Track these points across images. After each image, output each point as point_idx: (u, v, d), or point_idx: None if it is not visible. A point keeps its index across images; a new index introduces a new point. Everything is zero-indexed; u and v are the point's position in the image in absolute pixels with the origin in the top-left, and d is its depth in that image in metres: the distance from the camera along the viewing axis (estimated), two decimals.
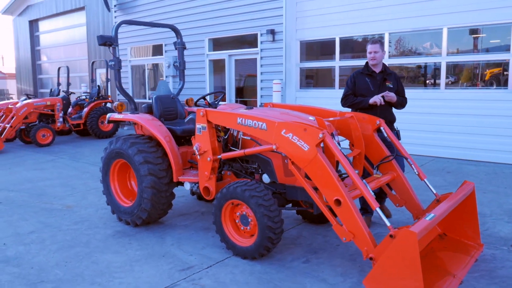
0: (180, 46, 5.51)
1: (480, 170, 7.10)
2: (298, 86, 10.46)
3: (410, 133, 7.92)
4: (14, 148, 10.67)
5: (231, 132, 4.11)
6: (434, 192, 3.79)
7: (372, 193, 3.11)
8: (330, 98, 9.64)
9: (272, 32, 10.28)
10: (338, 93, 9.53)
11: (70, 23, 17.35)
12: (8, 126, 10.42)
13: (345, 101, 4.57)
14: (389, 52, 8.78)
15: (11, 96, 24.07)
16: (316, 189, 3.34)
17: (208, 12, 11.65)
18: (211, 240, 4.18)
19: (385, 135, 3.96)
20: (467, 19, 7.76)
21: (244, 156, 4.00)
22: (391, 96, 4.32)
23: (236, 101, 11.91)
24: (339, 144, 3.79)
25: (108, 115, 4.95)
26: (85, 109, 11.81)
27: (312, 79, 10.77)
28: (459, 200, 3.43)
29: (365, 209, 4.49)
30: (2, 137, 10.21)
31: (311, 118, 3.71)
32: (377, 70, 4.46)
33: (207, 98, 5.35)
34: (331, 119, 3.97)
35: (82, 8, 16.16)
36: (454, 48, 8.14)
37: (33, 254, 3.95)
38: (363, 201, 4.51)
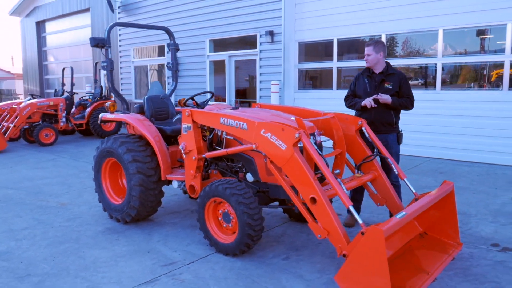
0: (173, 48, 5.64)
1: (473, 171, 7.12)
2: (297, 87, 10.54)
3: (405, 134, 7.93)
4: (17, 147, 10.88)
5: (216, 131, 4.21)
6: (414, 191, 3.86)
7: (346, 192, 3.19)
8: (329, 99, 9.76)
9: (271, 33, 10.37)
10: (336, 94, 9.69)
11: (75, 24, 17.61)
12: (11, 125, 10.62)
13: (346, 102, 4.63)
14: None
15: (18, 96, 24.44)
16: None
17: (209, 14, 11.79)
18: (197, 237, 4.28)
19: (367, 135, 4.03)
20: (463, 20, 7.78)
21: (229, 155, 4.10)
22: (384, 98, 4.23)
23: (236, 102, 12.02)
24: (320, 143, 3.87)
25: (101, 115, 5.08)
26: (88, 109, 12.00)
27: (316, 80, 10.81)
28: (435, 199, 3.49)
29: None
30: (6, 136, 10.42)
31: (292, 118, 3.79)
32: (377, 71, 4.40)
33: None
34: (313, 119, 4.04)
35: (87, 10, 16.40)
36: (450, 49, 8.16)
37: (23, 249, 4.08)
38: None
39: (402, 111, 4.50)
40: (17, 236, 4.45)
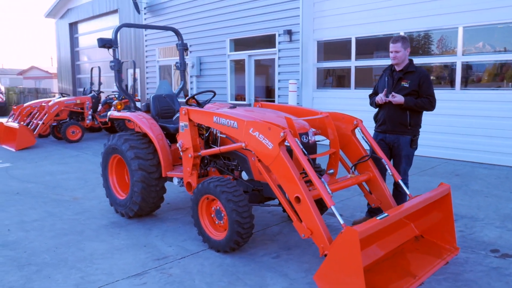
0: (181, 48, 5.75)
1: (491, 173, 6.87)
2: (315, 86, 10.48)
3: (423, 134, 7.75)
4: (46, 144, 11.37)
5: (212, 130, 4.28)
6: (408, 193, 3.78)
7: (330, 192, 3.17)
8: (347, 99, 9.66)
9: (289, 32, 10.35)
10: (354, 93, 9.58)
11: (105, 25, 18.18)
12: (40, 122, 11.12)
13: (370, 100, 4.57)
14: None
15: (54, 94, 25.47)
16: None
17: (230, 13, 11.90)
18: (194, 233, 4.35)
19: (362, 135, 3.98)
20: (484, 17, 7.51)
21: (225, 154, 4.17)
22: (397, 100, 4.07)
23: (257, 100, 12.07)
24: (314, 143, 3.86)
25: (109, 113, 5.26)
26: (113, 107, 12.35)
27: (344, 79, 10.63)
28: (425, 202, 3.42)
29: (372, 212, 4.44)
30: (35, 133, 10.91)
31: (286, 117, 3.80)
32: (398, 68, 4.26)
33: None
34: (307, 118, 4.03)
35: (115, 11, 16.90)
36: (470, 47, 7.89)
37: (30, 239, 4.29)
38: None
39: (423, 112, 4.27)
40: (27, 227, 4.68)
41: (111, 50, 5.00)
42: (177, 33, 5.72)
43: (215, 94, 5.08)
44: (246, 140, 3.55)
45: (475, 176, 6.70)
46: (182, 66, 5.78)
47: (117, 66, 5.02)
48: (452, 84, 8.18)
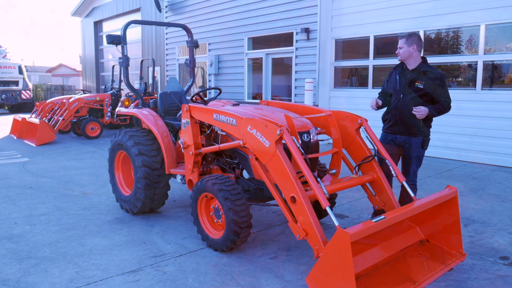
0: (191, 45, 5.73)
1: (511, 177, 6.57)
2: (333, 85, 10.31)
3: (442, 135, 7.55)
4: (65, 140, 11.61)
5: (213, 127, 4.23)
6: (413, 195, 3.63)
7: (326, 193, 3.07)
8: (364, 98, 9.43)
9: (307, 30, 10.22)
10: (371, 93, 9.36)
11: None
12: (60, 119, 11.36)
13: None
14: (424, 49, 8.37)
15: (78, 92, 26.09)
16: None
17: (248, 12, 11.85)
18: (196, 231, 4.32)
19: (366, 134, 3.86)
20: (508, 15, 7.19)
21: (227, 152, 4.12)
22: (422, 114, 3.85)
23: (273, 99, 11.98)
24: (317, 142, 3.77)
25: (116, 109, 5.29)
26: (132, 105, 12.50)
27: (366, 79, 10.41)
28: (428, 205, 3.26)
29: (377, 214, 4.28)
30: (55, 129, 11.16)
31: (285, 115, 3.71)
32: (410, 67, 4.09)
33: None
34: (309, 116, 3.94)
35: (138, 10, 17.12)
36: (492, 46, 7.58)
37: (34, 233, 4.35)
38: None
39: None
40: (34, 221, 4.76)
41: (119, 46, 5.03)
42: (187, 30, 5.73)
43: (221, 91, 5.04)
44: (244, 137, 3.49)
45: (494, 180, 6.43)
46: (191, 63, 5.77)
47: (126, 63, 5.04)
48: (473, 84, 7.88)
